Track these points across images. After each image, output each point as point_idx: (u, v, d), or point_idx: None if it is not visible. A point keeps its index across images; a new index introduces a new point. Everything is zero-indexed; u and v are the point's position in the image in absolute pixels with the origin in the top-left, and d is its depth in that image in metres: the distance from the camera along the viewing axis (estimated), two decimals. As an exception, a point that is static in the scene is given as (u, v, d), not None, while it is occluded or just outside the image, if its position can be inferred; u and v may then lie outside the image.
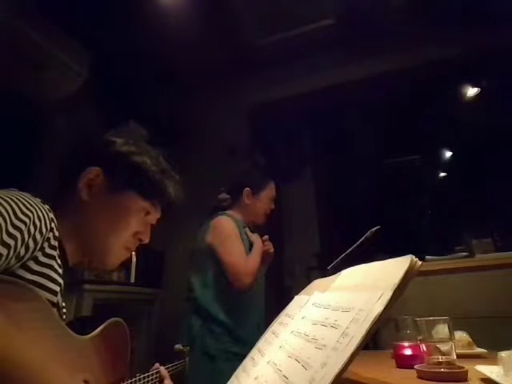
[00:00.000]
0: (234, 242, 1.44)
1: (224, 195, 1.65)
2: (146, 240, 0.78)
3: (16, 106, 1.92)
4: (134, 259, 2.32)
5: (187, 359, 1.01)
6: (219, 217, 1.53)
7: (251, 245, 1.51)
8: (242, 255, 1.42)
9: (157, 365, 0.84)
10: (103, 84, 2.37)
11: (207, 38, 2.33)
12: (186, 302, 1.53)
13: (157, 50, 2.39)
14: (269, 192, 1.63)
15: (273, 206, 1.64)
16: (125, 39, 2.27)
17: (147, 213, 0.77)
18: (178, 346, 1.01)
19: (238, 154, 2.62)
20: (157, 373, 0.82)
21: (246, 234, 1.55)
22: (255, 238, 1.54)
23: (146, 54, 2.41)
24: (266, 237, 1.57)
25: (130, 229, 0.74)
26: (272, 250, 1.56)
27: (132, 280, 2.30)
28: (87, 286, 1.83)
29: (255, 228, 1.65)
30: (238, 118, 2.76)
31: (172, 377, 0.86)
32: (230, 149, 2.64)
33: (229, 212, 1.58)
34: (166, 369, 0.86)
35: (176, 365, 0.94)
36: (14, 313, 0.47)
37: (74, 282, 1.75)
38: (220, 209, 1.61)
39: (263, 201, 1.60)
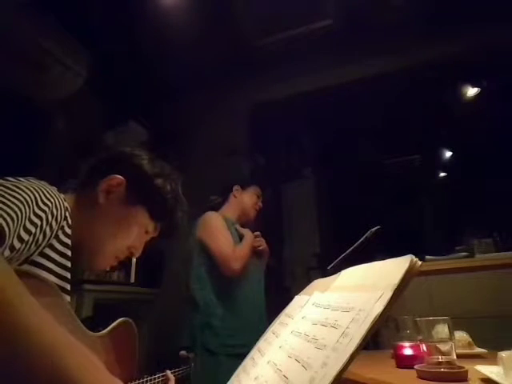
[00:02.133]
0: (221, 232, 1.53)
1: (214, 196, 1.77)
2: (137, 255, 0.80)
3: (16, 106, 1.92)
4: (134, 259, 2.32)
5: (192, 365, 1.01)
6: (207, 213, 1.62)
7: (242, 239, 1.58)
8: (229, 244, 1.50)
9: (168, 371, 0.85)
10: (103, 84, 2.36)
11: (207, 37, 2.33)
12: (186, 301, 1.57)
13: (157, 49, 2.39)
14: (255, 189, 1.74)
15: (260, 204, 1.74)
16: (125, 39, 2.27)
17: (147, 231, 0.79)
18: (183, 353, 1.02)
19: (238, 154, 2.62)
20: (163, 376, 0.83)
21: (235, 229, 1.63)
22: (245, 231, 1.63)
23: (146, 54, 2.41)
24: (257, 233, 1.65)
25: (128, 241, 0.76)
26: (264, 245, 1.65)
27: (132, 280, 2.30)
28: (87, 286, 1.83)
29: (251, 226, 1.72)
30: (238, 118, 2.76)
31: (177, 382, 0.86)
32: (230, 149, 2.64)
33: (220, 211, 1.67)
34: (172, 373, 0.87)
35: (180, 370, 0.94)
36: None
37: (74, 281, 1.75)
38: (212, 209, 1.68)
39: (250, 195, 1.71)
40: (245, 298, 1.50)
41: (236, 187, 1.71)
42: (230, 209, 1.69)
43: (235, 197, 1.70)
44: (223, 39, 2.40)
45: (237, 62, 2.60)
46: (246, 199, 1.70)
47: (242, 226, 1.69)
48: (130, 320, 0.75)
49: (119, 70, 2.42)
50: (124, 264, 2.29)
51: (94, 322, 0.70)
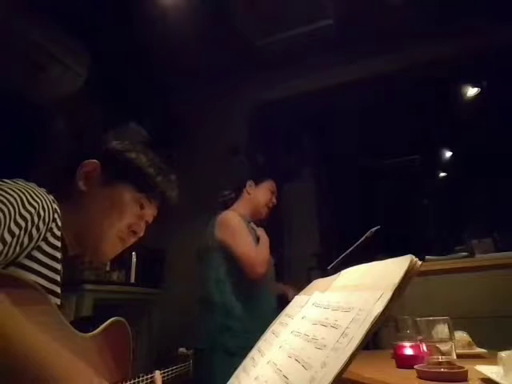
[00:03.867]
0: (243, 234, 1.50)
1: (227, 191, 1.72)
2: (140, 233, 0.80)
3: (16, 106, 1.92)
4: (134, 259, 2.32)
5: (191, 362, 1.01)
6: (225, 212, 1.57)
7: (257, 239, 1.56)
8: (253, 246, 1.48)
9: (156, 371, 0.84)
10: (103, 84, 2.36)
11: (207, 37, 2.33)
12: (200, 303, 1.56)
13: (157, 49, 2.39)
14: (269, 184, 1.69)
15: (274, 200, 1.69)
16: (125, 39, 2.27)
17: (142, 206, 0.79)
18: (182, 350, 1.02)
19: (238, 153, 2.62)
20: (151, 377, 0.82)
21: (252, 228, 1.60)
22: (260, 231, 1.60)
23: (146, 53, 2.41)
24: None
25: (123, 219, 0.76)
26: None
27: (132, 280, 2.30)
28: (87, 286, 1.83)
29: (259, 223, 1.70)
30: (238, 118, 2.76)
31: (175, 379, 0.86)
32: (230, 149, 2.64)
33: (233, 207, 1.63)
34: (169, 371, 0.86)
35: (179, 367, 0.94)
36: (27, 315, 0.47)
37: (74, 281, 1.75)
38: (225, 205, 1.66)
39: (264, 191, 1.66)
40: (262, 299, 1.50)
41: (249, 182, 1.65)
42: (243, 206, 1.64)
43: (248, 193, 1.64)
44: (223, 39, 2.40)
45: (237, 62, 2.60)
46: (259, 196, 1.65)
47: (255, 223, 1.67)
48: (123, 319, 0.74)
49: (119, 69, 2.42)
50: (124, 264, 2.29)
51: (86, 322, 0.70)
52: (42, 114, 2.08)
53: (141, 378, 0.76)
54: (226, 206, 1.65)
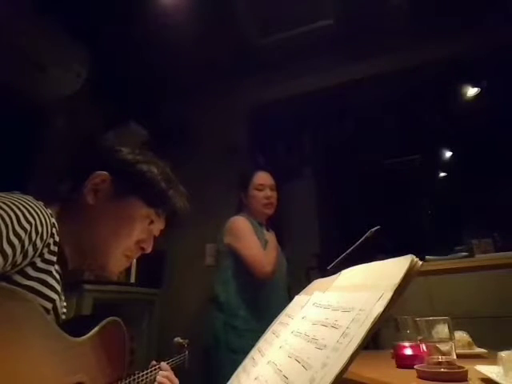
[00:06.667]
0: (250, 236, 1.54)
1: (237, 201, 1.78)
2: (149, 249, 0.77)
3: (16, 106, 1.92)
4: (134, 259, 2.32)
5: (187, 353, 0.99)
6: (233, 218, 1.63)
7: (266, 244, 1.60)
8: (259, 247, 1.51)
9: (153, 362, 0.83)
10: (103, 84, 2.36)
11: (207, 38, 2.33)
12: (209, 302, 1.60)
13: (157, 50, 2.39)
14: (254, 183, 1.68)
15: (268, 194, 1.67)
16: (125, 39, 2.27)
17: (151, 222, 0.77)
18: (178, 339, 1.00)
19: (238, 154, 2.61)
20: (157, 368, 0.82)
21: (262, 232, 1.64)
22: (269, 236, 1.65)
23: (146, 54, 2.41)
24: None
25: (133, 236, 0.73)
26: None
27: (132, 280, 2.29)
28: (87, 286, 1.83)
29: (268, 223, 1.73)
30: (238, 119, 2.76)
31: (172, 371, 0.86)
32: (230, 149, 2.64)
33: (242, 213, 1.69)
34: (167, 363, 0.86)
35: (176, 359, 0.93)
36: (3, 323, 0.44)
37: (74, 281, 1.75)
38: (238, 210, 1.72)
39: (252, 194, 1.68)
40: (271, 300, 1.51)
41: (242, 194, 1.71)
42: (248, 212, 1.69)
43: (245, 204, 1.70)
44: (223, 39, 2.40)
45: (237, 62, 2.60)
46: (253, 202, 1.68)
47: (266, 227, 1.71)
48: (118, 319, 0.73)
49: (119, 69, 2.42)
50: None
51: (83, 321, 0.69)
52: (42, 116, 2.08)
53: (137, 376, 0.75)
54: (240, 210, 1.70)
